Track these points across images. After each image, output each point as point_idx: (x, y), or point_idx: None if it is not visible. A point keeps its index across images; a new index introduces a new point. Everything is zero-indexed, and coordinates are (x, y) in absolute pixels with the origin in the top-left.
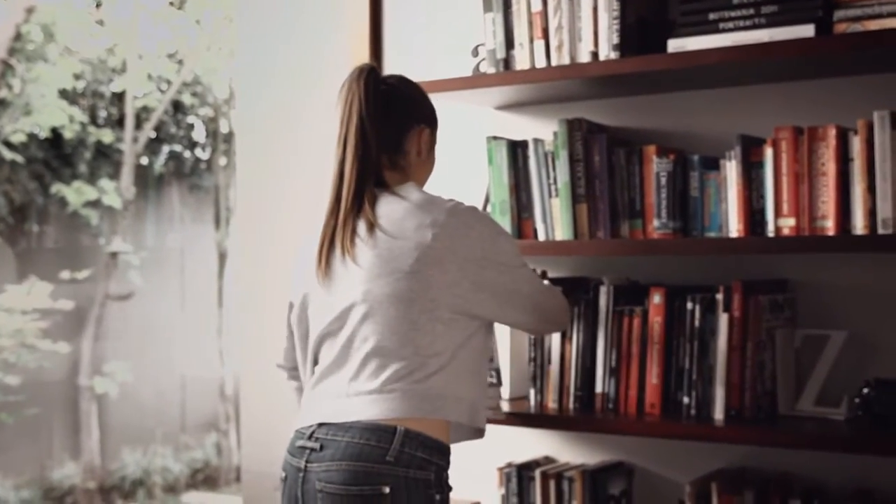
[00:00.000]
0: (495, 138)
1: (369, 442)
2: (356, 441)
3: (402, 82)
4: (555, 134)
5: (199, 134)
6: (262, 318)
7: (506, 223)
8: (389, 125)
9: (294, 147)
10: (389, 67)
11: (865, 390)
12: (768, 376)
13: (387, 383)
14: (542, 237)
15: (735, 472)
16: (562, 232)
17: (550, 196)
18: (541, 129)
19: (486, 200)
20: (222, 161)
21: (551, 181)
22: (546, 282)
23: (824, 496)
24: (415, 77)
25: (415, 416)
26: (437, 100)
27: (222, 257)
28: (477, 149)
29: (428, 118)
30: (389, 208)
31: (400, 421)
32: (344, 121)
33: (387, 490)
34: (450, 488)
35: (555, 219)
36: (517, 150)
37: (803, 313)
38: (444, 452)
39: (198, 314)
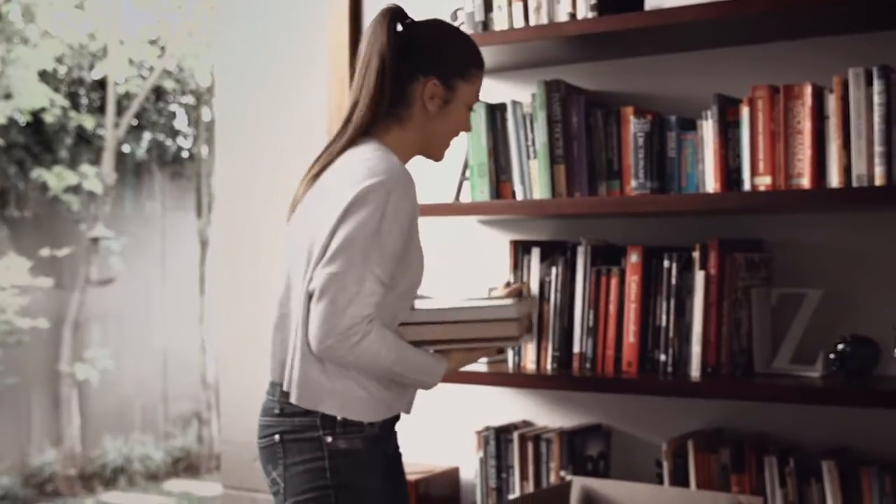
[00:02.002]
0: None
1: (268, 396)
2: (265, 398)
3: (427, 26)
4: (533, 95)
5: (181, 122)
6: (244, 307)
7: (484, 186)
8: (397, 71)
9: (275, 135)
10: None
11: (840, 346)
12: (745, 334)
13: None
14: (519, 198)
15: (711, 433)
16: (540, 193)
17: (529, 158)
18: (519, 94)
19: (465, 165)
20: (205, 150)
21: (529, 143)
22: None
23: (800, 454)
24: None
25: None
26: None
27: (204, 245)
28: None
29: (440, 70)
30: (341, 163)
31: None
32: (363, 65)
33: (277, 438)
34: (355, 425)
35: (533, 180)
36: (495, 113)
37: (779, 273)
38: None
39: (179, 302)
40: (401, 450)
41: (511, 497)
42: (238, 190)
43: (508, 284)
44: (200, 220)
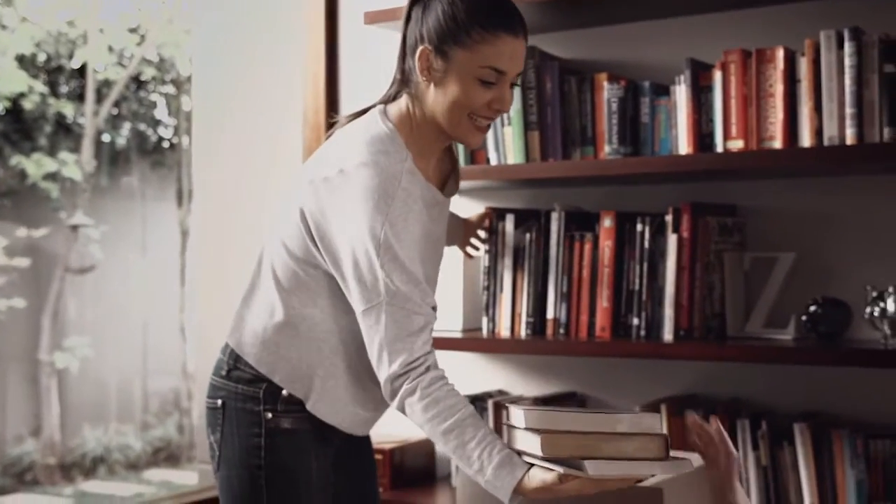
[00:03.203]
0: None
1: (220, 355)
2: (218, 356)
3: None
4: None
5: (161, 112)
6: (224, 297)
7: (459, 153)
8: (404, 39)
9: (252, 125)
10: (345, 30)
11: (812, 308)
12: (717, 298)
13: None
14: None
15: (684, 398)
16: (514, 159)
17: (503, 125)
18: None
19: None
20: (185, 140)
21: None
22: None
23: (772, 417)
24: (370, 7)
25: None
26: (387, 31)
27: (184, 235)
28: None
29: (435, 37)
30: (335, 137)
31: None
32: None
33: (219, 403)
34: (298, 405)
35: (507, 147)
36: None
37: (752, 237)
38: None
39: (160, 291)
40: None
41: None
42: (216, 180)
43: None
44: (181, 209)
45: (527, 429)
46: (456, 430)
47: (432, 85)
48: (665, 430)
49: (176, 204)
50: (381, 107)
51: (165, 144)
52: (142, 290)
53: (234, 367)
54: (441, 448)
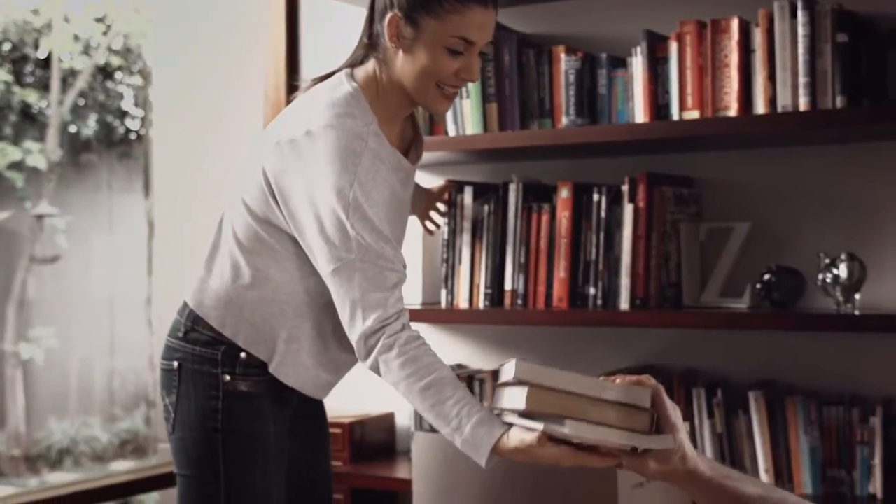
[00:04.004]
0: None
1: (177, 316)
2: (174, 317)
3: None
4: None
5: (128, 103)
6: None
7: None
8: (374, 4)
9: (213, 110)
10: (306, 5)
11: (767, 277)
12: (673, 268)
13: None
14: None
15: (641, 369)
16: (472, 131)
17: (462, 97)
18: None
19: None
20: (152, 131)
21: None
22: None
23: (727, 386)
24: None
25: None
26: (345, 6)
27: (151, 226)
28: None
29: (406, 5)
30: (300, 98)
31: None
32: None
33: (175, 365)
34: (257, 368)
35: (466, 119)
36: None
37: (708, 209)
38: None
39: (126, 282)
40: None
41: None
42: (178, 169)
43: None
44: (148, 200)
45: (516, 380)
46: (434, 388)
47: (400, 52)
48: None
49: (143, 195)
50: (347, 70)
51: (132, 136)
52: (108, 281)
53: (191, 328)
54: (417, 406)
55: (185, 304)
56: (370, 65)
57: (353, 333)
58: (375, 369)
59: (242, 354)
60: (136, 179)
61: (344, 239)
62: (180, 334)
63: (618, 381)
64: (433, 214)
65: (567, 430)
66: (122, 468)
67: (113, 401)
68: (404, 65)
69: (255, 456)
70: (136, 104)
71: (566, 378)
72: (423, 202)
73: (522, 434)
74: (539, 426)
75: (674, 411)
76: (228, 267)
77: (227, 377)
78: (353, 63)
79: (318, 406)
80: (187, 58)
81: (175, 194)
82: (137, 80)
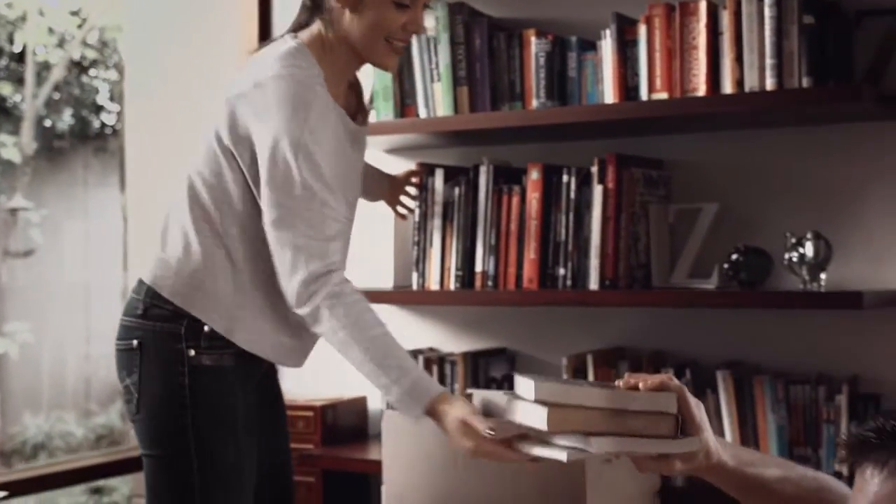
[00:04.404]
0: None
1: (133, 295)
2: (130, 296)
3: None
4: (436, 18)
5: (103, 97)
6: None
7: (389, 109)
8: None
9: (186, 108)
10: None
11: (734, 257)
12: (643, 249)
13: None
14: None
15: (611, 351)
16: (444, 114)
17: (433, 81)
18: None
19: (371, 92)
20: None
21: (433, 66)
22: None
23: (696, 367)
24: None
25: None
26: None
27: (127, 221)
28: None
29: None
30: (246, 63)
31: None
32: None
33: (135, 344)
34: (222, 340)
35: (437, 102)
36: None
37: (677, 191)
38: None
39: (102, 277)
40: (276, 366)
41: None
42: (151, 163)
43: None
44: (124, 195)
45: (536, 401)
46: (380, 341)
47: (347, 10)
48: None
49: (119, 189)
50: (291, 33)
51: (108, 131)
52: (84, 276)
53: (151, 305)
54: (354, 355)
55: (141, 282)
56: (315, 26)
57: (294, 278)
58: (314, 315)
59: (206, 328)
60: (111, 174)
61: (289, 184)
62: (139, 312)
63: (640, 385)
64: (404, 199)
65: (593, 449)
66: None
67: (88, 396)
68: (352, 23)
69: (225, 430)
70: (112, 99)
71: (589, 394)
72: (388, 187)
73: (464, 409)
74: (563, 455)
75: (698, 410)
76: (181, 239)
77: (192, 352)
78: (297, 27)
79: (274, 379)
80: (160, 51)
81: (149, 188)
82: (113, 75)
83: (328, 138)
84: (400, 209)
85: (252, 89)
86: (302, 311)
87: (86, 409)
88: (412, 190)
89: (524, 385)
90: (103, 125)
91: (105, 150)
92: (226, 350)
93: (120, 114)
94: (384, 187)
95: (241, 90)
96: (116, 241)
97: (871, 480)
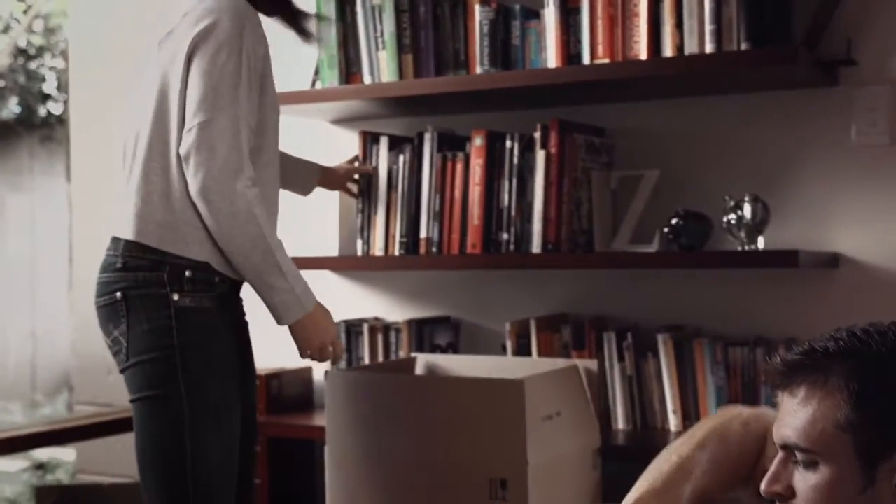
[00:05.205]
0: None
1: (108, 253)
2: (105, 256)
3: None
4: None
5: (50, 86)
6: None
7: (334, 78)
8: None
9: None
10: None
11: (674, 221)
12: (585, 214)
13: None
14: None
15: (554, 317)
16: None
17: (378, 49)
18: None
19: (317, 62)
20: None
21: (378, 34)
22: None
23: (637, 331)
24: None
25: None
26: None
27: (73, 211)
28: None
29: None
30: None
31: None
32: None
33: (119, 296)
34: (204, 283)
35: (382, 70)
36: (345, 5)
37: (619, 158)
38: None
39: (48, 268)
40: (246, 318)
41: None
42: (97, 152)
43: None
44: (70, 184)
45: None
46: (279, 244)
47: None
48: (535, 344)
49: (65, 178)
50: None
51: (53, 119)
52: (29, 266)
53: (130, 257)
54: (259, 244)
55: (116, 239)
56: None
57: (214, 161)
58: (230, 196)
59: (187, 272)
60: (58, 163)
61: (215, 96)
62: (118, 266)
63: None
64: (350, 185)
65: None
66: (43, 455)
67: (34, 386)
68: None
69: (213, 369)
70: (59, 88)
71: None
72: (328, 180)
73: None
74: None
75: None
76: (147, 187)
77: (176, 296)
78: None
79: (247, 329)
80: (105, 39)
81: (94, 177)
82: (60, 63)
83: (259, 57)
84: (350, 186)
85: (180, 20)
86: (215, 187)
87: (32, 400)
88: (353, 185)
89: None
90: (49, 114)
91: (51, 138)
92: (207, 293)
93: (66, 102)
94: (328, 181)
95: (169, 28)
96: (63, 232)
97: (811, 401)
